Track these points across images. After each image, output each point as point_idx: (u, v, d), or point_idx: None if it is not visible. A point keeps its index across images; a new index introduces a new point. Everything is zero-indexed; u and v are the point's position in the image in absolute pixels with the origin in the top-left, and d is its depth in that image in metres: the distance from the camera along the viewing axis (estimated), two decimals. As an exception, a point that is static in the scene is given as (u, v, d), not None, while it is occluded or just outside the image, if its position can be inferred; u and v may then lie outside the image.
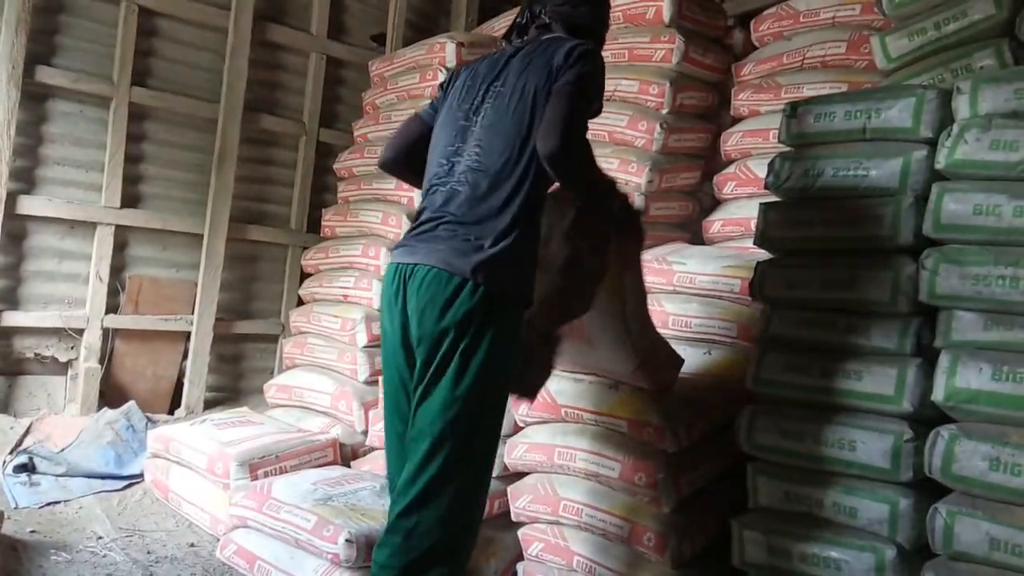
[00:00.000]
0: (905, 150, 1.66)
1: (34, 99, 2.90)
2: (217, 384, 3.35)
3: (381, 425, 2.44)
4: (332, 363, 2.85)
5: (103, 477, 2.58)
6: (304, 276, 3.31)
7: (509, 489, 2.00)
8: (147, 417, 2.90)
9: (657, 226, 2.51)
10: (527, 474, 2.01)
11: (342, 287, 2.93)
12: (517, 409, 1.99)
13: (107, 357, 3.07)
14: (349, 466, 2.54)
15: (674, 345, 1.95)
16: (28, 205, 2.90)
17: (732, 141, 2.52)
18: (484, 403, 1.40)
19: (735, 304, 2.15)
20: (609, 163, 2.45)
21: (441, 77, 2.81)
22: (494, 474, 1.76)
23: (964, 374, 1.47)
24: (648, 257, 2.23)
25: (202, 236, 3.22)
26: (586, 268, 1.56)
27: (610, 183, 1.58)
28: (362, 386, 2.72)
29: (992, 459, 1.42)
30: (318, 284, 3.09)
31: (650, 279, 2.05)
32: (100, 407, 2.94)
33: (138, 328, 3.13)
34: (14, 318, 2.89)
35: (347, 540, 1.84)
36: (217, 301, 3.24)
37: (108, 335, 3.08)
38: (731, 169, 2.50)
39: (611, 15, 1.72)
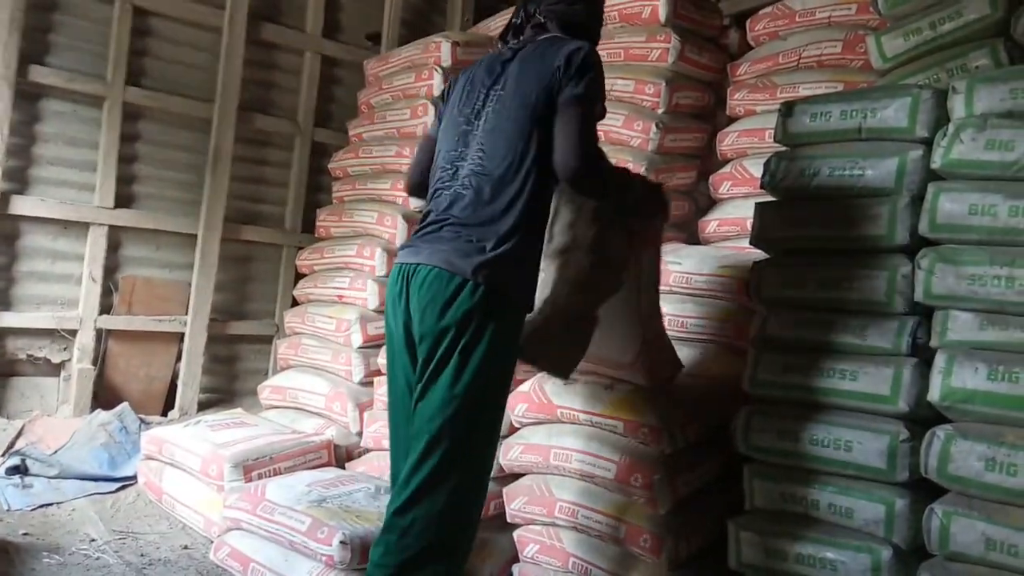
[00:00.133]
0: (901, 150, 1.66)
1: (27, 98, 2.89)
2: (211, 385, 3.34)
3: (375, 426, 2.48)
4: (327, 364, 2.84)
5: (96, 479, 2.57)
6: (299, 277, 3.30)
7: (504, 490, 2.00)
8: (140, 419, 2.89)
9: (653, 226, 2.51)
10: (523, 475, 2.01)
11: (337, 288, 2.92)
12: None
13: (100, 358, 3.06)
14: (344, 468, 2.53)
15: (671, 345, 1.95)
16: (21, 205, 2.89)
17: (728, 141, 2.52)
18: (482, 402, 1.41)
19: (731, 304, 2.15)
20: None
21: (436, 78, 2.81)
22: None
23: (960, 374, 1.47)
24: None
25: (196, 236, 3.21)
26: (613, 249, 1.60)
27: (625, 176, 1.63)
28: (357, 387, 2.71)
29: (988, 459, 1.41)
30: (313, 285, 3.07)
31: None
32: (93, 409, 2.93)
33: (131, 329, 3.12)
34: (6, 319, 2.88)
35: (342, 542, 1.84)
36: (211, 302, 3.23)
37: (101, 336, 3.07)
38: (727, 169, 2.50)
39: (605, 13, 1.72)
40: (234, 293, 3.43)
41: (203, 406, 3.23)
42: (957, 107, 1.58)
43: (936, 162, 1.57)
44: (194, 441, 2.40)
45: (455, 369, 1.37)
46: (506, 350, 1.43)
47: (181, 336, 3.20)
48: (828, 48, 2.36)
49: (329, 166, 3.31)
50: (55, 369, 3.02)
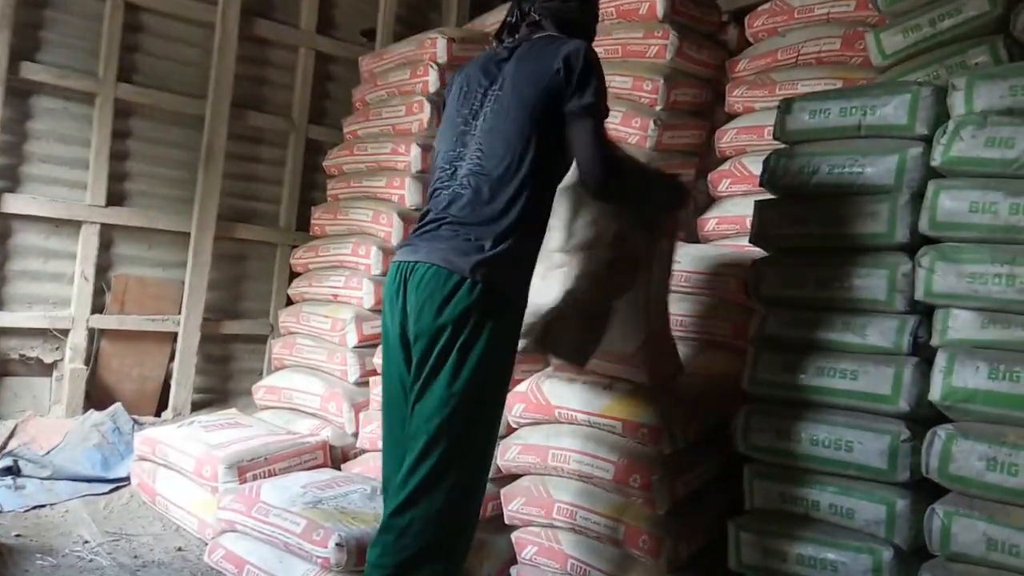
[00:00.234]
0: (900, 147, 1.65)
1: (18, 95, 2.86)
2: (205, 385, 3.32)
3: (372, 427, 2.47)
4: (322, 364, 2.82)
5: (89, 480, 2.55)
6: (293, 275, 3.28)
7: (502, 492, 1.99)
8: (133, 419, 2.87)
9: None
10: (521, 476, 2.00)
11: (332, 286, 2.90)
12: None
13: (93, 358, 3.03)
14: (339, 469, 2.51)
15: (670, 345, 1.94)
16: (12, 203, 2.86)
17: (727, 138, 2.51)
18: (481, 400, 1.41)
19: (730, 303, 2.14)
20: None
21: (432, 74, 2.79)
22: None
23: (961, 373, 1.46)
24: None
25: (189, 235, 3.18)
26: (634, 245, 1.65)
27: (641, 171, 1.67)
28: (352, 387, 2.69)
29: (989, 459, 1.41)
30: (307, 283, 3.05)
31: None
32: (86, 409, 2.91)
33: (124, 328, 3.09)
34: (-2, 318, 2.85)
35: (337, 544, 1.83)
36: (204, 301, 3.21)
37: (94, 335, 3.04)
38: (726, 166, 2.49)
39: (603, 9, 1.72)
40: (228, 292, 3.41)
41: (197, 406, 3.20)
42: (957, 104, 1.58)
43: (936, 159, 1.57)
44: (188, 442, 2.39)
45: (453, 368, 1.37)
46: (504, 348, 1.44)
47: (174, 336, 3.18)
48: (827, 45, 2.35)
49: (324, 163, 3.28)
50: (47, 369, 2.99)
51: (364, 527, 1.90)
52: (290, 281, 3.28)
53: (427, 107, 2.78)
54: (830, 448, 1.62)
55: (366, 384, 2.63)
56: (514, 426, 2.01)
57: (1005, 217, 1.46)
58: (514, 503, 1.96)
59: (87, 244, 3.00)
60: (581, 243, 1.65)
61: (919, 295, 1.56)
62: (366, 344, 2.70)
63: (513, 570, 2.01)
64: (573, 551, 1.87)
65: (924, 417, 1.55)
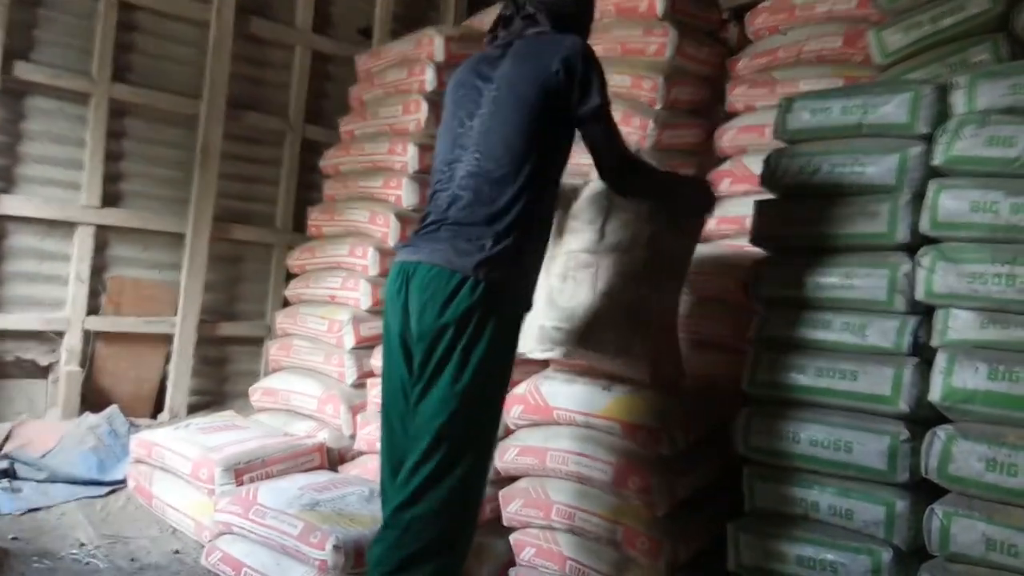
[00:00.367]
0: (901, 146, 1.64)
1: (11, 95, 2.84)
2: (201, 388, 3.30)
3: (369, 429, 2.46)
4: (319, 366, 2.80)
5: (85, 483, 2.54)
6: (290, 276, 3.25)
7: (501, 493, 1.98)
8: (130, 422, 2.86)
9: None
10: (519, 478, 1.99)
11: (329, 288, 2.88)
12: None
13: (88, 360, 3.02)
14: (336, 471, 2.51)
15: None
16: (6, 205, 2.84)
17: (727, 137, 2.49)
18: (483, 399, 1.42)
19: (730, 304, 2.13)
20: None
21: (429, 73, 2.77)
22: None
23: (961, 373, 1.46)
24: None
25: (185, 236, 3.16)
26: (668, 245, 1.73)
27: (675, 177, 1.77)
28: (350, 389, 2.68)
29: (989, 459, 1.40)
30: (304, 285, 3.04)
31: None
32: (82, 411, 2.89)
33: (120, 330, 3.07)
34: (-7, 321, 2.83)
35: (335, 546, 1.82)
36: (200, 302, 3.19)
37: (89, 338, 3.02)
38: (726, 165, 2.48)
39: (601, 7, 1.72)
40: (224, 293, 3.39)
41: (193, 409, 3.18)
42: (958, 103, 1.57)
43: (937, 158, 1.56)
44: (184, 444, 2.38)
45: (456, 367, 1.38)
46: (506, 347, 1.45)
47: (170, 337, 3.16)
48: (828, 43, 2.34)
49: (320, 164, 3.26)
50: (43, 372, 2.97)
51: (362, 529, 1.90)
52: (287, 282, 3.26)
53: (424, 106, 2.76)
54: (829, 449, 1.61)
55: (363, 386, 2.62)
56: (512, 428, 2.00)
57: (1006, 216, 1.46)
58: (512, 505, 1.95)
59: (82, 245, 2.98)
60: (613, 244, 1.69)
61: (919, 295, 1.55)
62: (363, 346, 2.69)
63: (512, 572, 2.00)
64: (572, 553, 1.86)
65: (924, 418, 1.54)
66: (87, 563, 2.05)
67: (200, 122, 3.16)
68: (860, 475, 1.59)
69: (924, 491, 1.52)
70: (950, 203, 1.52)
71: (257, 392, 2.95)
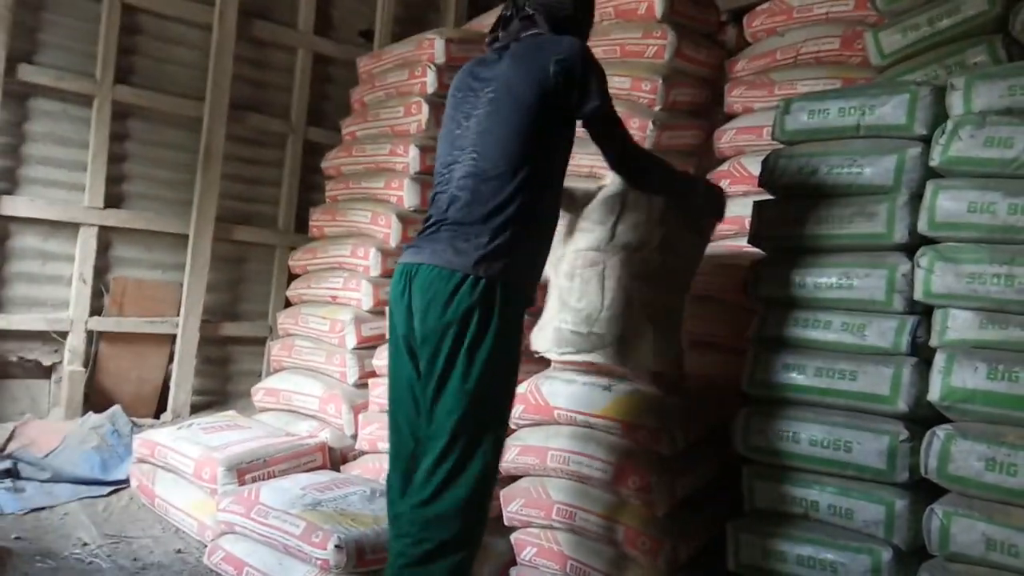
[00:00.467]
0: (899, 147, 1.65)
1: (15, 98, 2.86)
2: (203, 387, 3.31)
3: (371, 429, 2.46)
4: (321, 366, 2.81)
5: (88, 483, 2.55)
6: (292, 277, 3.27)
7: (502, 493, 1.98)
8: (132, 421, 2.87)
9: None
10: (520, 478, 1.99)
11: (330, 288, 2.89)
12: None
13: (91, 360, 3.03)
14: (339, 470, 2.51)
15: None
16: (10, 206, 2.86)
17: (726, 138, 2.50)
18: (494, 394, 1.44)
19: (730, 304, 2.13)
20: (602, 160, 2.42)
21: (430, 75, 2.78)
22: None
23: (960, 373, 1.46)
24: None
25: (187, 237, 3.18)
26: (681, 246, 1.75)
27: (689, 176, 1.81)
28: (352, 389, 2.69)
29: (988, 459, 1.41)
30: (306, 285, 3.05)
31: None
32: (85, 411, 2.91)
33: (123, 331, 3.09)
34: (-4, 321, 2.85)
35: (336, 546, 1.82)
36: (203, 303, 3.20)
37: (92, 338, 3.04)
38: (725, 167, 2.48)
39: (600, 9, 1.73)
40: (226, 294, 3.40)
41: (196, 408, 3.20)
42: (956, 104, 1.58)
43: (935, 159, 1.56)
44: (187, 444, 2.38)
45: (464, 365, 1.40)
46: (511, 340, 1.47)
47: (173, 338, 3.18)
48: (826, 44, 2.35)
49: (322, 165, 3.27)
50: (46, 372, 2.99)
51: (363, 529, 1.90)
52: (289, 283, 3.28)
53: (425, 108, 2.77)
54: (829, 449, 1.62)
55: (365, 386, 2.62)
56: (513, 427, 2.01)
57: (1004, 217, 1.46)
58: (513, 504, 1.95)
59: (85, 246, 3.00)
60: (623, 244, 1.71)
61: (918, 295, 1.56)
62: (365, 346, 2.70)
63: (513, 571, 2.00)
64: (572, 552, 1.87)
65: (923, 417, 1.55)
66: (90, 563, 2.06)
67: (203, 124, 3.17)
68: (860, 475, 1.59)
69: (924, 491, 1.53)
70: (948, 204, 1.53)
71: (259, 392, 2.96)
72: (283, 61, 3.47)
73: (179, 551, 2.21)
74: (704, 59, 2.61)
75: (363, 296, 2.75)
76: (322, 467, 2.46)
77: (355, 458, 2.58)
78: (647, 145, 2.46)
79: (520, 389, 1.97)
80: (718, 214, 1.85)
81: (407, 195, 2.75)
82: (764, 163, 1.84)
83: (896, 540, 1.54)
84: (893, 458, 1.54)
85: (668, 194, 1.73)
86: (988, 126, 1.50)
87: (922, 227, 1.56)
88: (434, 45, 2.82)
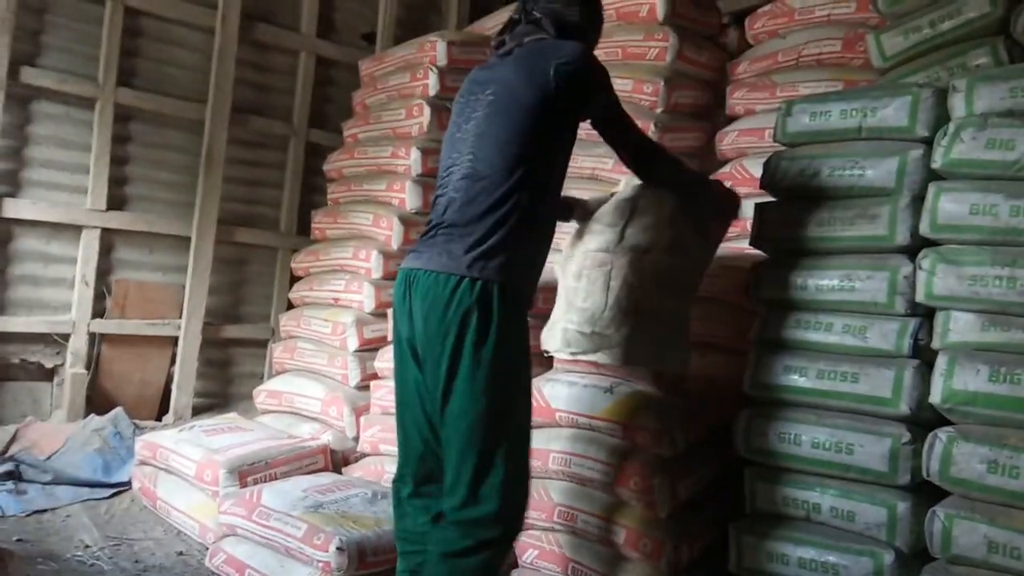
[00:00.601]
0: (901, 149, 1.65)
1: (18, 101, 2.87)
2: (205, 390, 3.32)
3: (373, 431, 2.46)
4: (323, 368, 2.81)
5: (90, 485, 2.55)
6: (294, 279, 3.28)
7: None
8: (134, 424, 2.87)
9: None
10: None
11: (333, 290, 2.90)
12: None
13: (94, 363, 3.03)
14: (340, 472, 2.51)
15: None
16: (13, 208, 2.87)
17: (727, 140, 2.50)
18: (505, 392, 1.44)
19: (731, 306, 2.13)
20: (604, 163, 2.43)
21: (432, 78, 2.79)
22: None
23: (961, 376, 1.46)
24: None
25: (190, 239, 3.19)
26: (691, 249, 1.75)
27: (703, 177, 1.84)
28: (353, 391, 2.69)
29: (990, 462, 1.40)
30: (308, 287, 3.05)
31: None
32: (87, 413, 2.91)
33: (125, 333, 3.09)
34: (-1, 323, 2.85)
35: (338, 548, 1.83)
36: (205, 305, 3.21)
37: (94, 340, 3.04)
38: (726, 169, 2.48)
39: (603, 21, 1.73)
40: (228, 296, 3.41)
41: (197, 411, 3.20)
42: (957, 106, 1.57)
43: (937, 162, 1.56)
44: (189, 446, 2.38)
45: (470, 367, 1.40)
46: (516, 338, 1.47)
47: (175, 340, 3.18)
48: (828, 46, 2.35)
49: (324, 167, 3.28)
50: (48, 374, 2.99)
51: (365, 531, 1.90)
52: (291, 285, 3.29)
53: (427, 110, 2.78)
54: (831, 451, 1.61)
55: (367, 388, 2.62)
56: (515, 430, 2.00)
57: (1006, 219, 1.46)
58: (515, 507, 1.95)
59: (88, 248, 3.01)
60: (632, 246, 1.71)
61: (920, 297, 1.56)
62: (367, 348, 2.70)
63: (514, 574, 1.99)
64: (574, 554, 1.86)
65: (925, 420, 1.54)
66: (92, 565, 2.06)
67: (205, 126, 3.18)
68: (861, 477, 1.59)
69: (926, 493, 1.53)
70: (950, 206, 1.52)
71: (261, 394, 2.96)
72: (285, 64, 3.48)
73: (181, 553, 2.21)
74: (706, 61, 2.61)
75: (365, 298, 2.75)
76: (324, 469, 2.46)
77: (357, 460, 2.58)
78: (649, 147, 2.46)
79: (522, 391, 1.97)
80: (732, 214, 1.86)
81: (409, 197, 2.76)
82: (766, 165, 1.84)
83: (898, 543, 1.54)
84: (895, 460, 1.54)
85: (682, 189, 1.75)
86: (990, 128, 1.50)
87: (924, 229, 1.56)
88: (436, 48, 2.82)
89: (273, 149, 3.49)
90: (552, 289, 1.91)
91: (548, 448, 1.91)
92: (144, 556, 2.16)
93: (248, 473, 2.26)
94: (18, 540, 2.14)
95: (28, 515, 2.32)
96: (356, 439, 2.59)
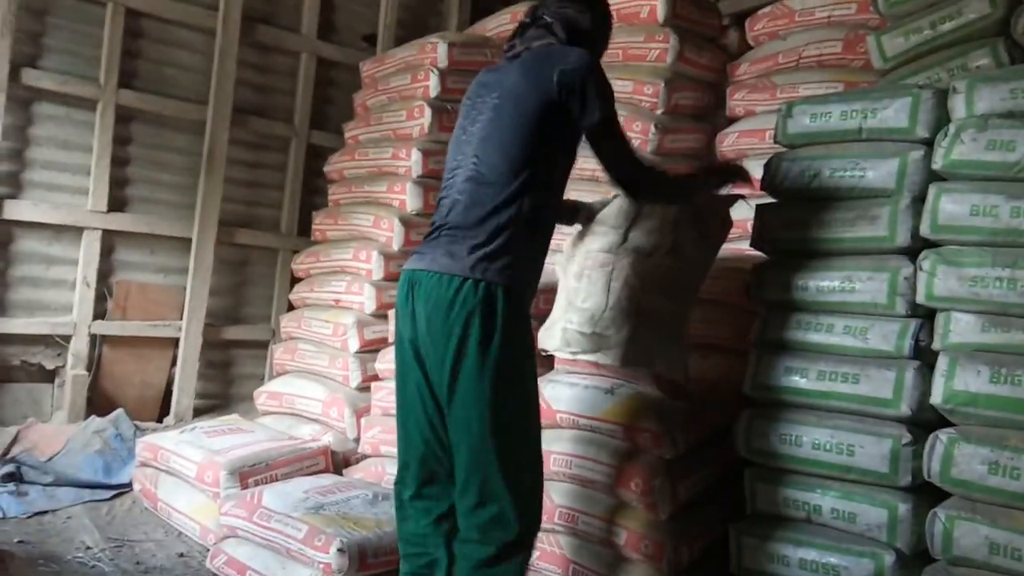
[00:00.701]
0: (902, 150, 1.65)
1: (19, 102, 2.87)
2: (206, 391, 3.31)
3: (373, 432, 2.46)
4: (323, 369, 2.81)
5: (91, 486, 2.55)
6: (295, 280, 3.28)
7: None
8: (135, 425, 2.87)
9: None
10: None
11: (333, 291, 2.90)
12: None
13: (95, 364, 3.03)
14: (341, 474, 2.51)
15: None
16: (14, 210, 2.87)
17: (728, 142, 2.50)
18: (511, 392, 1.44)
19: (732, 307, 2.13)
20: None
21: (433, 79, 2.79)
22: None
23: (962, 376, 1.46)
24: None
25: (191, 240, 3.18)
26: (692, 252, 1.75)
27: (692, 179, 1.81)
28: (354, 392, 2.69)
29: (991, 463, 1.41)
30: (309, 288, 3.05)
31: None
32: (88, 415, 2.90)
33: (126, 334, 3.09)
34: (0, 325, 2.84)
35: (339, 549, 1.83)
36: (206, 306, 3.21)
37: (95, 342, 3.04)
38: (726, 170, 2.48)
39: (612, 29, 1.73)
40: (229, 297, 3.41)
41: (198, 412, 3.20)
42: (958, 107, 1.58)
43: (937, 163, 1.56)
44: (190, 448, 2.38)
45: (475, 369, 1.40)
46: (520, 340, 1.47)
47: (176, 341, 3.18)
48: (828, 48, 2.35)
49: (325, 169, 3.28)
50: (49, 375, 2.99)
51: (366, 533, 1.90)
52: (291, 286, 3.29)
53: (428, 112, 2.78)
54: (832, 452, 1.62)
55: (368, 389, 2.62)
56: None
57: (1006, 220, 1.46)
58: (516, 508, 1.95)
59: (89, 250, 3.01)
60: (634, 248, 1.71)
61: (920, 299, 1.56)
62: (368, 349, 2.70)
63: (515, 575, 2.00)
64: (574, 556, 1.86)
65: (926, 421, 1.54)
66: (92, 566, 2.06)
67: (206, 128, 3.18)
68: (862, 478, 1.59)
69: (927, 494, 1.53)
70: (950, 207, 1.53)
71: (262, 396, 2.96)
72: (286, 65, 3.48)
73: (182, 555, 2.21)
74: (706, 63, 2.62)
75: (366, 300, 2.75)
76: (325, 471, 2.46)
77: (357, 462, 2.58)
78: (649, 149, 2.46)
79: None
80: (733, 198, 1.85)
81: (409, 199, 2.76)
82: (766, 166, 1.84)
83: (899, 544, 1.54)
84: (896, 462, 1.54)
85: (672, 203, 1.74)
86: (990, 129, 1.50)
87: (924, 230, 1.56)
88: (437, 49, 2.82)
89: (274, 150, 3.49)
90: (552, 290, 1.91)
91: (549, 449, 1.90)
92: (145, 558, 2.16)
93: (249, 474, 2.26)
94: (19, 542, 2.14)
95: (29, 517, 2.32)
96: (357, 440, 2.59)
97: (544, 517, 1.88)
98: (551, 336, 1.80)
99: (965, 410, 1.46)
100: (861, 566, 1.55)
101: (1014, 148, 1.47)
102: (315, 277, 3.07)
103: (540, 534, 1.91)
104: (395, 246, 2.74)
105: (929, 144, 1.61)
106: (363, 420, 2.56)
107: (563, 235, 1.84)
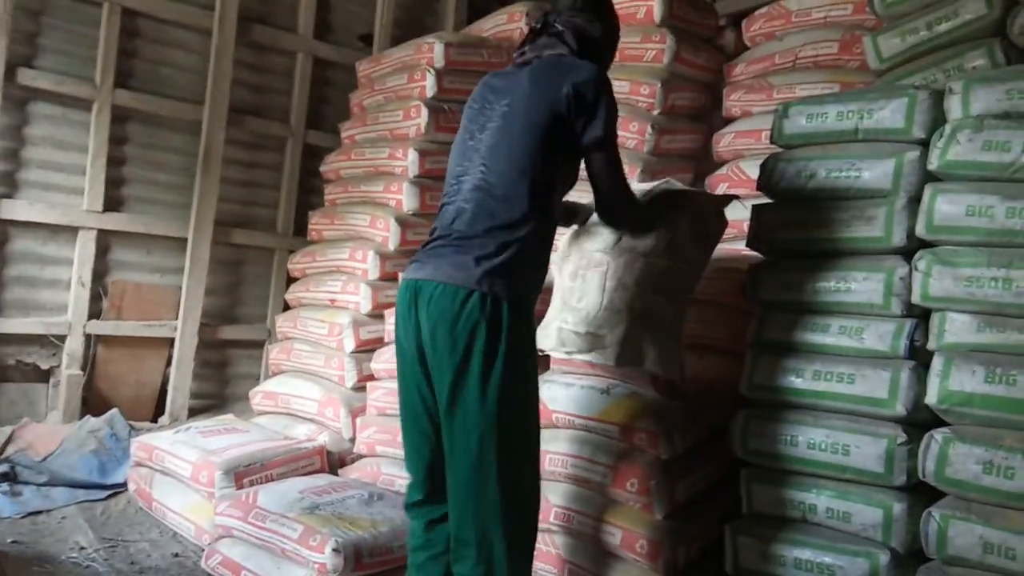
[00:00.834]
0: (898, 151, 1.65)
1: (15, 102, 2.86)
2: (202, 391, 3.31)
3: (369, 432, 2.46)
4: (319, 369, 2.81)
5: (86, 486, 2.55)
6: (290, 280, 3.27)
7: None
8: (130, 425, 2.87)
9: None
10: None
11: (329, 291, 2.89)
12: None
13: (90, 364, 3.03)
14: (336, 474, 2.51)
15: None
16: (9, 209, 2.86)
17: (724, 142, 2.51)
18: (514, 405, 1.43)
19: (728, 307, 2.14)
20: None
21: (429, 79, 2.79)
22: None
23: (957, 376, 1.46)
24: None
25: (186, 240, 3.18)
26: (687, 251, 1.75)
27: (671, 205, 1.78)
28: (350, 392, 2.69)
29: (986, 462, 1.41)
30: (305, 288, 3.05)
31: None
32: (83, 415, 2.90)
33: (121, 334, 3.09)
34: (-5, 325, 2.85)
35: (334, 550, 1.82)
36: (202, 306, 3.20)
37: (90, 341, 3.03)
38: (723, 170, 2.49)
39: (619, 40, 1.73)
40: (225, 297, 3.40)
41: (194, 412, 3.19)
42: (954, 108, 1.58)
43: (933, 163, 1.57)
44: (184, 448, 2.38)
45: (480, 382, 1.38)
46: (525, 353, 1.46)
47: (171, 341, 3.17)
48: (824, 48, 2.36)
49: (321, 169, 3.28)
50: (44, 375, 2.98)
51: (361, 532, 1.90)
52: (287, 286, 3.28)
53: (424, 112, 2.77)
54: (827, 452, 1.62)
55: (363, 389, 2.62)
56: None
57: (1002, 221, 1.47)
58: (512, 508, 1.95)
59: (84, 250, 3.00)
60: (629, 247, 1.71)
61: (916, 299, 1.56)
62: (363, 349, 2.70)
63: (511, 576, 1.99)
64: (570, 556, 1.86)
65: (921, 421, 1.55)
66: (87, 567, 2.06)
67: (202, 128, 3.18)
68: (858, 478, 1.59)
69: (922, 494, 1.53)
70: (946, 207, 1.53)
71: (257, 395, 2.95)
72: (282, 65, 3.47)
73: (176, 555, 2.20)
74: (703, 63, 2.62)
75: (362, 299, 2.75)
76: (320, 471, 2.46)
77: (353, 462, 2.57)
78: (646, 149, 2.47)
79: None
80: (720, 229, 1.85)
81: (406, 199, 2.76)
82: (762, 167, 1.84)
83: (894, 543, 1.54)
84: (891, 461, 1.54)
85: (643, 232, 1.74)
86: (986, 130, 1.51)
87: (920, 231, 1.57)
88: (433, 49, 2.82)
89: (270, 150, 3.48)
90: (548, 290, 1.90)
91: (545, 449, 1.89)
92: (140, 558, 2.16)
93: (244, 474, 2.25)
94: (13, 542, 2.14)
95: (23, 517, 2.32)
96: (352, 440, 2.59)
97: (540, 517, 1.89)
98: (546, 336, 1.80)
99: (960, 410, 1.46)
100: (856, 566, 1.55)
101: (1010, 149, 1.48)
102: (311, 277, 3.07)
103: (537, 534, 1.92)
104: (391, 246, 2.74)
105: (925, 145, 1.62)
106: (359, 420, 2.55)
107: (559, 235, 1.83)
